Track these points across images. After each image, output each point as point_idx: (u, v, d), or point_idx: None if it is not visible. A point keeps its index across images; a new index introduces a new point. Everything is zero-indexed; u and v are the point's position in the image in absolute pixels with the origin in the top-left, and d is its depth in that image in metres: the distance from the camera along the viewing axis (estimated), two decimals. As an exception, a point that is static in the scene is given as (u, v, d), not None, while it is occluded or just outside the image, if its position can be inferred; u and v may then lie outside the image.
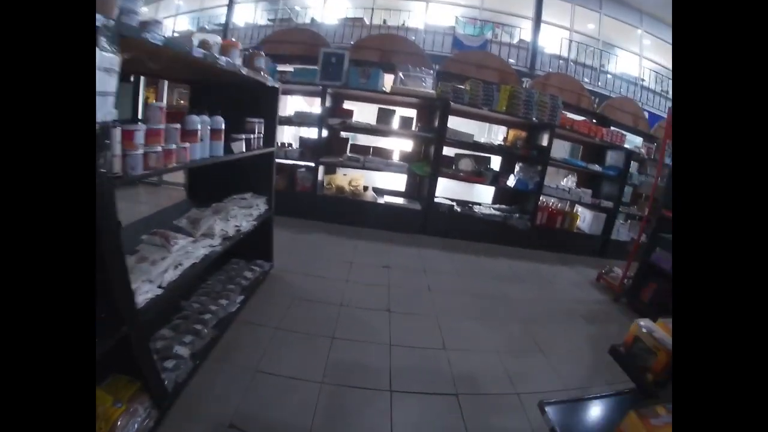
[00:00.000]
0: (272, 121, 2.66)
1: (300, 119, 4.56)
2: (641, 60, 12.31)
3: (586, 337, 2.84)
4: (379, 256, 3.75)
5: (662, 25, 11.91)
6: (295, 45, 5.57)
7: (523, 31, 11.38)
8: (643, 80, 12.16)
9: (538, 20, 10.29)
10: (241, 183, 2.78)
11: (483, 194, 6.62)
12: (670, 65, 12.65)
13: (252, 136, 2.39)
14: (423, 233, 4.56)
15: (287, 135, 6.38)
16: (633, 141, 5.51)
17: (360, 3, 13.24)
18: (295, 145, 4.86)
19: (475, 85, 4.49)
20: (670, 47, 12.34)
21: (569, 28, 11.39)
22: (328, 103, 4.48)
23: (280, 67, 4.85)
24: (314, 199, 4.55)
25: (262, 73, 2.40)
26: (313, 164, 4.48)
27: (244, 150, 2.29)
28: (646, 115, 6.83)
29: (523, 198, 5.09)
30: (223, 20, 13.36)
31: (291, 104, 6.87)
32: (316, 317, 2.51)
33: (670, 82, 12.82)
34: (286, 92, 5.48)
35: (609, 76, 11.52)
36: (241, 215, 2.42)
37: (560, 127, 4.62)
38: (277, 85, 2.60)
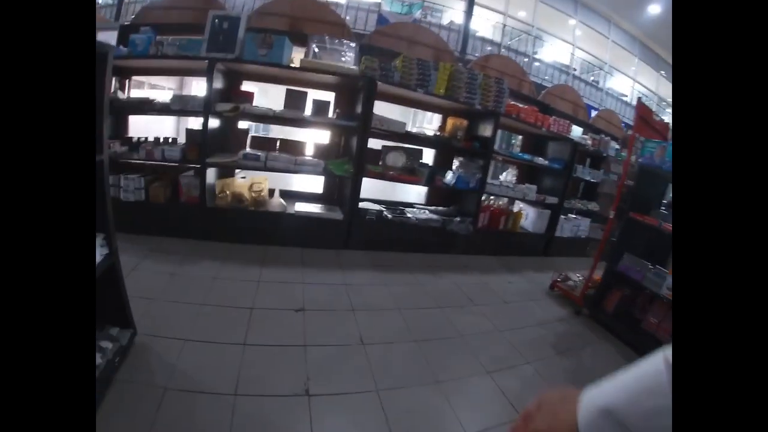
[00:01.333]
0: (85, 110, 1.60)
1: (180, 105, 3.41)
2: (574, 49, 12.33)
3: (566, 380, 2.31)
4: (290, 292, 2.78)
5: (596, 16, 11.99)
6: (184, 12, 4.34)
7: (454, 12, 10.71)
8: (574, 69, 12.19)
9: (471, 2, 9.65)
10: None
11: (411, 193, 5.87)
12: (601, 56, 12.86)
13: None
14: (347, 248, 3.66)
15: (168, 127, 5.09)
16: (574, 132, 5.10)
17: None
18: (181, 140, 3.72)
19: (408, 62, 3.64)
20: (602, 38, 12.53)
21: (503, 13, 10.95)
22: (218, 84, 3.38)
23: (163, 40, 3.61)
24: (204, 212, 3.45)
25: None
26: (199, 166, 3.36)
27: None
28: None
29: (462, 197, 4.40)
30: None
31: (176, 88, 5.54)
32: (201, 421, 1.57)
33: (601, 72, 13.13)
34: (166, 72, 4.28)
35: (538, 64, 11.35)
36: None
37: (506, 116, 3.94)
38: (106, 51, 1.55)
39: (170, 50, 3.38)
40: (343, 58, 3.75)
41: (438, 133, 4.38)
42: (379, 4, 9.88)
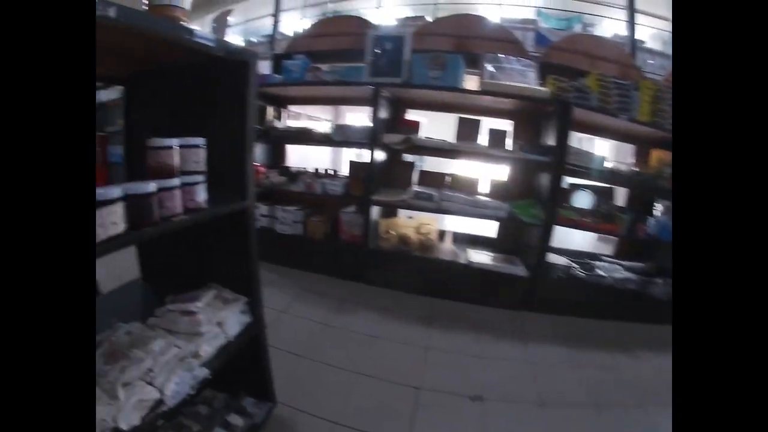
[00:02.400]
0: (239, 141, 1.27)
1: (343, 136, 3.16)
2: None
3: None
4: (463, 367, 2.23)
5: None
6: (338, 38, 4.21)
7: (613, 23, 9.44)
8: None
9: (632, 9, 8.37)
10: (211, 263, 1.49)
11: (575, 238, 4.88)
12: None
13: (172, 184, 0.98)
14: (527, 309, 2.98)
15: (325, 158, 5.00)
16: None
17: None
18: (342, 172, 3.52)
19: (604, 81, 2.92)
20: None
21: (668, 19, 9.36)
22: (383, 113, 3.05)
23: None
24: (365, 253, 3.12)
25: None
26: (363, 203, 3.06)
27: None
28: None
29: (662, 251, 3.41)
30: (269, 31, 12.36)
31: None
32: None
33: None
34: (322, 101, 4.16)
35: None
36: (171, 363, 1.15)
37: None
38: (247, 59, 1.23)
39: (328, 77, 3.18)
40: (523, 79, 3.16)
41: (636, 169, 3.50)
42: (535, 21, 9.08)
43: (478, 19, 4.04)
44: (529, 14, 9.59)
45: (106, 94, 2.34)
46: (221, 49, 1.08)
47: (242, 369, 1.50)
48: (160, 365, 1.13)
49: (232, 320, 1.39)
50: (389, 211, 3.43)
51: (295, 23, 12.98)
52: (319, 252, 3.30)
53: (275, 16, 11.66)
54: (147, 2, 1.04)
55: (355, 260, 3.14)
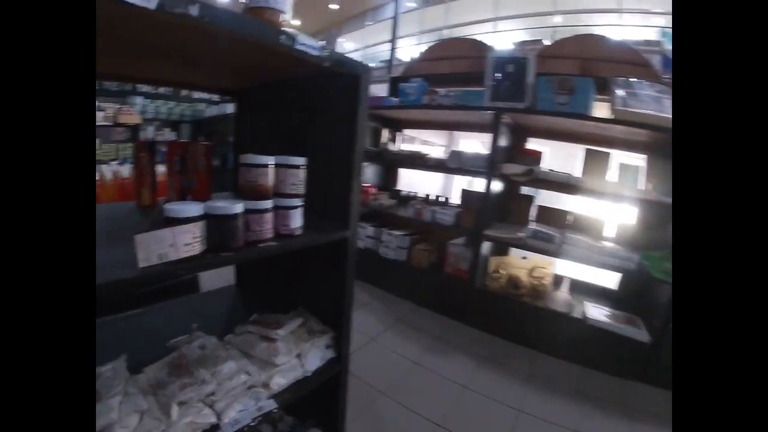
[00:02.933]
0: (346, 163, 1.12)
1: (458, 163, 2.97)
2: None
3: None
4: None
5: None
6: (455, 61, 4.06)
7: None
8: None
9: None
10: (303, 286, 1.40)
11: None
12: None
13: (263, 206, 0.87)
14: (643, 381, 2.39)
15: (435, 184, 4.82)
16: None
17: (537, 22, 11.21)
18: (453, 200, 3.34)
19: None
20: None
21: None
22: (502, 140, 2.79)
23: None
24: (469, 290, 2.84)
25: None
26: (474, 236, 2.81)
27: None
28: None
29: None
30: (386, 57, 12.91)
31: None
32: None
33: None
34: (437, 126, 4.02)
35: None
36: (237, 390, 1.08)
37: None
38: (359, 72, 1.10)
39: (446, 101, 3.02)
40: (657, 107, 2.64)
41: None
42: (659, 42, 7.86)
43: (604, 40, 3.55)
44: (652, 35, 8.43)
45: (231, 107, 2.54)
46: (330, 59, 0.97)
47: (315, 400, 1.36)
48: (225, 390, 1.06)
49: (314, 354, 1.28)
50: (501, 248, 3.10)
51: (411, 49, 13.35)
52: (420, 282, 3.12)
53: (392, 42, 12.11)
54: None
55: (457, 297, 2.88)
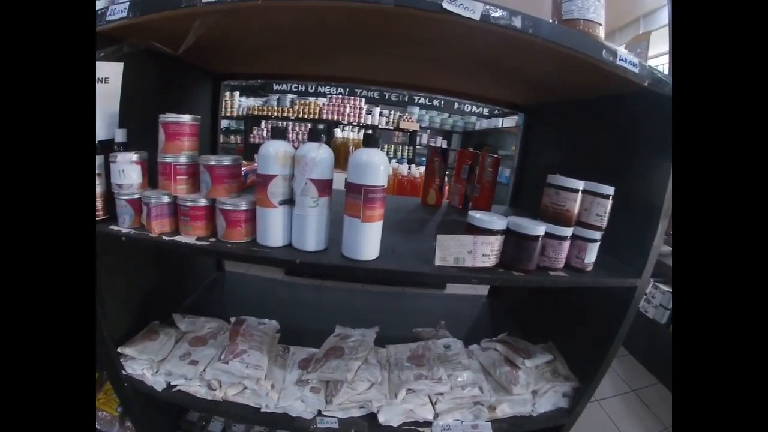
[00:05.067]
0: (653, 200, 0.93)
1: None
2: None
3: None
4: None
5: None
6: None
7: None
8: None
9: None
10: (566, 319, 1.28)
11: None
12: None
13: (564, 233, 0.79)
14: None
15: None
16: None
17: None
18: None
19: None
20: None
21: None
22: None
23: None
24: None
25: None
26: None
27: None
28: None
29: None
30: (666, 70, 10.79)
31: None
32: None
33: None
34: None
35: None
36: (465, 401, 1.10)
37: None
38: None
39: None
40: None
41: None
42: None
43: None
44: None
45: (507, 121, 2.52)
46: (650, 78, 0.82)
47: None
48: (452, 396, 1.07)
49: (549, 398, 1.16)
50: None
51: None
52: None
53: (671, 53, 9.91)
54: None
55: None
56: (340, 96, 5.12)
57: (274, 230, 0.81)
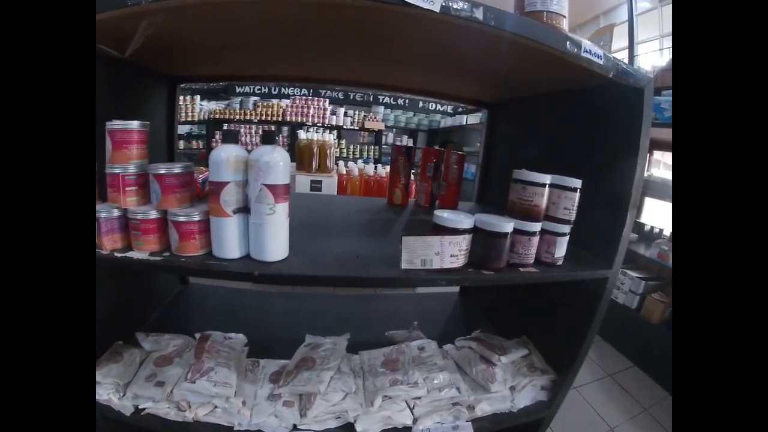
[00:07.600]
0: (618, 192, 0.95)
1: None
2: None
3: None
4: None
5: None
6: None
7: None
8: None
9: None
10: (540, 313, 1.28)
11: None
12: None
13: (533, 228, 0.78)
14: None
15: None
16: None
17: None
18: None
19: None
20: None
21: None
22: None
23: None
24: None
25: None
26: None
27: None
28: None
29: None
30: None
31: None
32: None
33: None
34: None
35: None
36: (443, 403, 1.10)
37: None
38: (642, 85, 0.89)
39: None
40: None
41: None
42: None
43: None
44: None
45: (471, 118, 2.54)
46: (614, 69, 0.82)
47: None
48: (431, 398, 1.05)
49: (527, 392, 1.16)
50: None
51: (653, 56, 11.19)
52: (645, 338, 2.55)
53: (630, 48, 10.28)
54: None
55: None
56: (304, 97, 5.05)
57: (229, 241, 0.76)
